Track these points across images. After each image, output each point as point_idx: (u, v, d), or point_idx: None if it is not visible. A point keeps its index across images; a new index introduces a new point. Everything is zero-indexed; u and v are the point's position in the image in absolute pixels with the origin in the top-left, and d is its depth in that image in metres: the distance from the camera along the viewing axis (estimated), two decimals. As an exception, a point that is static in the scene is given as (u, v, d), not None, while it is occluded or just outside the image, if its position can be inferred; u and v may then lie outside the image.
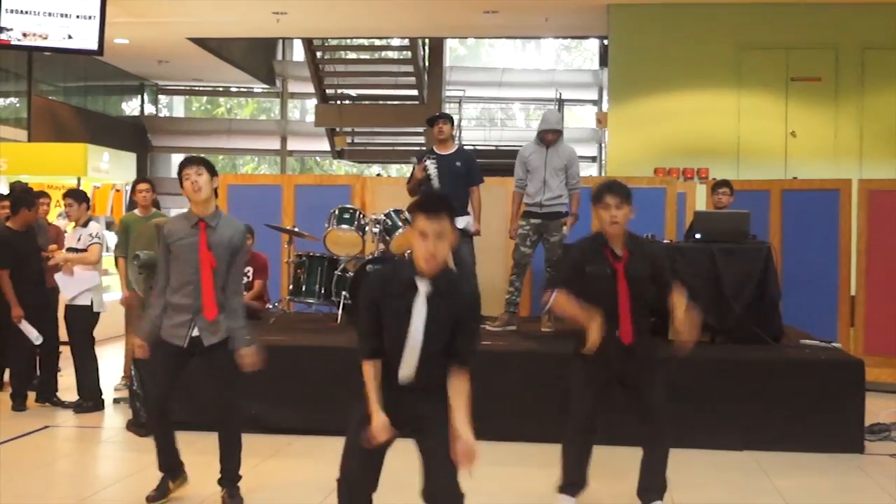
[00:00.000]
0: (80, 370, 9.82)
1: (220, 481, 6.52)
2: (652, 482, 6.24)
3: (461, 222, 9.82)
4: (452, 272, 4.67)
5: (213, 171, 6.42)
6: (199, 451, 6.96)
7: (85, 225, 10.00)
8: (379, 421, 4.51)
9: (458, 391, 4.57)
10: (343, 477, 4.73)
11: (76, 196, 10.14)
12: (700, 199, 13.23)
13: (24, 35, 15.69)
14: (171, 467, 6.63)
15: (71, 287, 9.76)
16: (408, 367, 4.58)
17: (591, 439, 6.36)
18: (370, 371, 4.63)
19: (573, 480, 6.39)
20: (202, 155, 6.69)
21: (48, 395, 10.03)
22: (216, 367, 6.38)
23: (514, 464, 7.68)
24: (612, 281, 6.06)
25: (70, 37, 15.93)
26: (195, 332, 6.32)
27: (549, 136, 9.91)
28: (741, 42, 16.78)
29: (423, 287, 4.53)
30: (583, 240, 6.40)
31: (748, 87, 16.72)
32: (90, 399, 9.70)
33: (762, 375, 8.32)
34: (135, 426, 8.58)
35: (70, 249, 9.96)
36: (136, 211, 10.67)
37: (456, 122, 20.72)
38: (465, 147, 10.92)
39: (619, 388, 6.22)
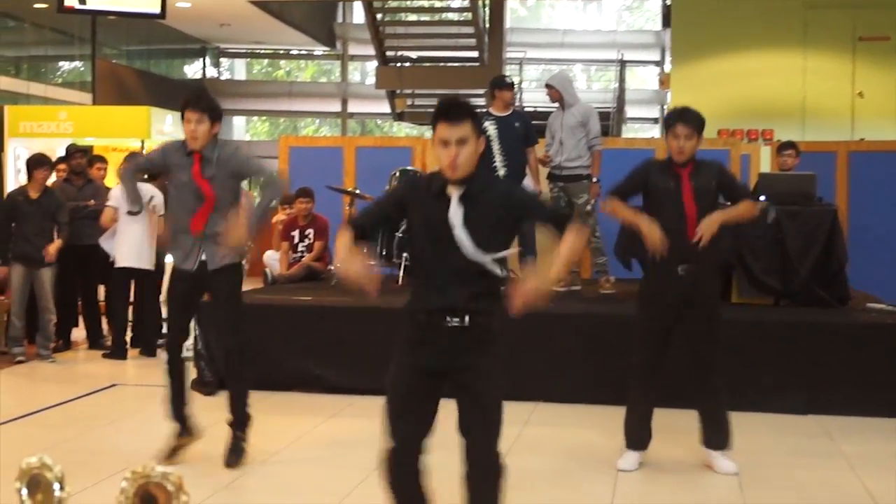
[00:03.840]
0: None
1: (230, 423, 6.54)
2: (714, 431, 6.40)
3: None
4: (486, 177, 4.27)
5: (215, 118, 6.29)
6: (266, 409, 7.02)
7: None
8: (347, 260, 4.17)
9: (562, 241, 4.14)
10: (390, 446, 4.21)
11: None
12: (765, 161, 13.10)
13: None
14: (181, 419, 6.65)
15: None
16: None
17: (654, 389, 6.47)
18: (343, 240, 4.18)
19: (638, 435, 6.52)
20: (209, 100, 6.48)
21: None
22: (218, 297, 6.48)
23: (576, 425, 7.69)
24: (676, 192, 6.17)
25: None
26: (203, 257, 6.36)
27: (548, 92, 9.98)
28: (808, 0, 16.54)
29: (455, 192, 4.09)
30: (652, 159, 6.68)
31: (814, 46, 16.50)
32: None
33: (827, 339, 8.24)
34: (199, 385, 8.68)
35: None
36: None
37: (517, 84, 20.61)
38: (521, 109, 10.94)
39: (678, 328, 6.31)
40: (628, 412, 6.56)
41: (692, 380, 6.43)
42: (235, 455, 6.44)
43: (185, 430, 6.62)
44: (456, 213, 4.06)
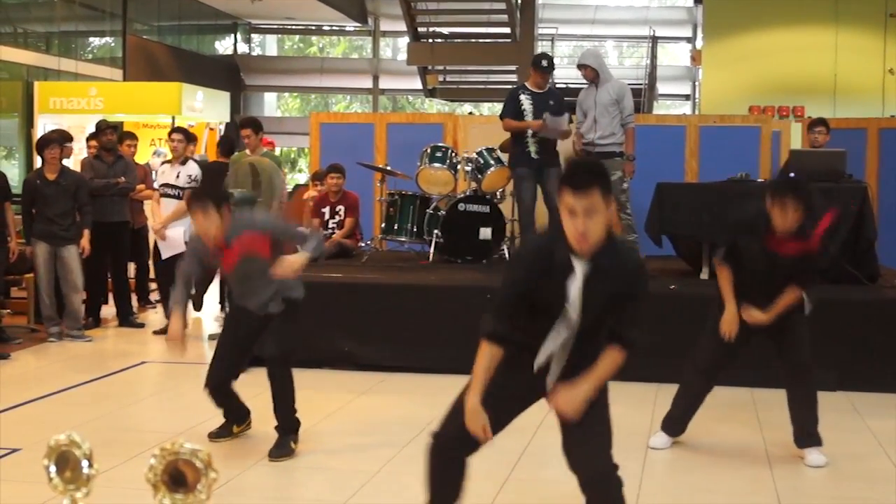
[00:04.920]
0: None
1: (276, 428, 6.38)
2: (806, 427, 6.32)
3: None
4: (615, 244, 3.99)
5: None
6: (296, 386, 7.05)
7: (184, 163, 10.29)
8: (475, 413, 3.90)
9: (601, 362, 4.00)
10: (437, 437, 4.14)
11: (187, 135, 10.58)
12: (795, 138, 13.03)
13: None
14: (238, 416, 6.74)
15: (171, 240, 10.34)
16: (553, 350, 4.01)
17: (708, 389, 6.49)
18: (487, 356, 3.96)
19: (676, 423, 6.57)
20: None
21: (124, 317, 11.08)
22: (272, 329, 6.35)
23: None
24: (771, 262, 6.02)
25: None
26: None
27: (583, 72, 9.97)
28: (839, -24, 16.42)
29: (579, 267, 3.87)
30: (744, 224, 6.18)
31: (846, 23, 16.36)
32: None
33: (857, 316, 8.22)
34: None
35: (166, 185, 10.30)
36: (247, 151, 10.64)
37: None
38: (554, 88, 10.90)
39: (761, 337, 6.26)
40: (678, 398, 6.57)
41: (784, 381, 6.38)
42: (280, 450, 6.27)
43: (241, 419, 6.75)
44: (575, 293, 3.90)
